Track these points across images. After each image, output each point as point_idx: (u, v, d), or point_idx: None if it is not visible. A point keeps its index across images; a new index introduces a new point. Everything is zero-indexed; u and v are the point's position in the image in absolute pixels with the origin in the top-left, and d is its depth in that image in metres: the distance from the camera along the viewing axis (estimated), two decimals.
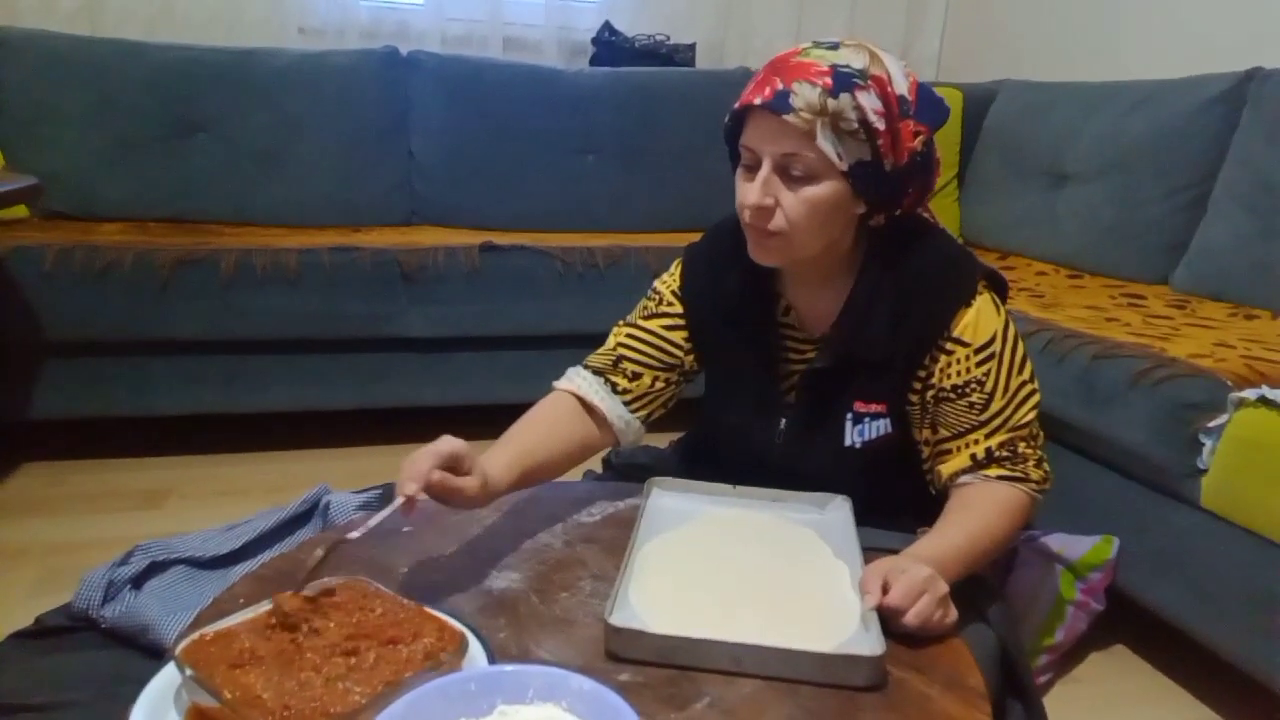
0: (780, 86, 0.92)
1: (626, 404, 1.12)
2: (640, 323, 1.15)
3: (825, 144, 0.92)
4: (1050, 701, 1.08)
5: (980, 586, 1.01)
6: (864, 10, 3.31)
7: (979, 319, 1.01)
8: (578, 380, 1.12)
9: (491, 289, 2.20)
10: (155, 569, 1.32)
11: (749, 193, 0.96)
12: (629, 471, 1.28)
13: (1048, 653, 1.49)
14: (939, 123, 0.98)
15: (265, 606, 0.74)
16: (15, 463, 2.12)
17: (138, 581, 1.29)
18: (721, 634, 0.77)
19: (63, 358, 2.02)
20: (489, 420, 2.40)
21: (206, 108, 2.38)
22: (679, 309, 1.14)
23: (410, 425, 2.37)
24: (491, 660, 0.74)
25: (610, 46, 2.95)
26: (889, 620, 0.81)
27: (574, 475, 1.31)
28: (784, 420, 1.10)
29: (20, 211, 2.23)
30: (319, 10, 2.81)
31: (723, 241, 1.11)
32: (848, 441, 1.06)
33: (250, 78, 2.42)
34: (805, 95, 0.91)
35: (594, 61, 2.97)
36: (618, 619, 0.78)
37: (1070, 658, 1.56)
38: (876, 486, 1.08)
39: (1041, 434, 1.06)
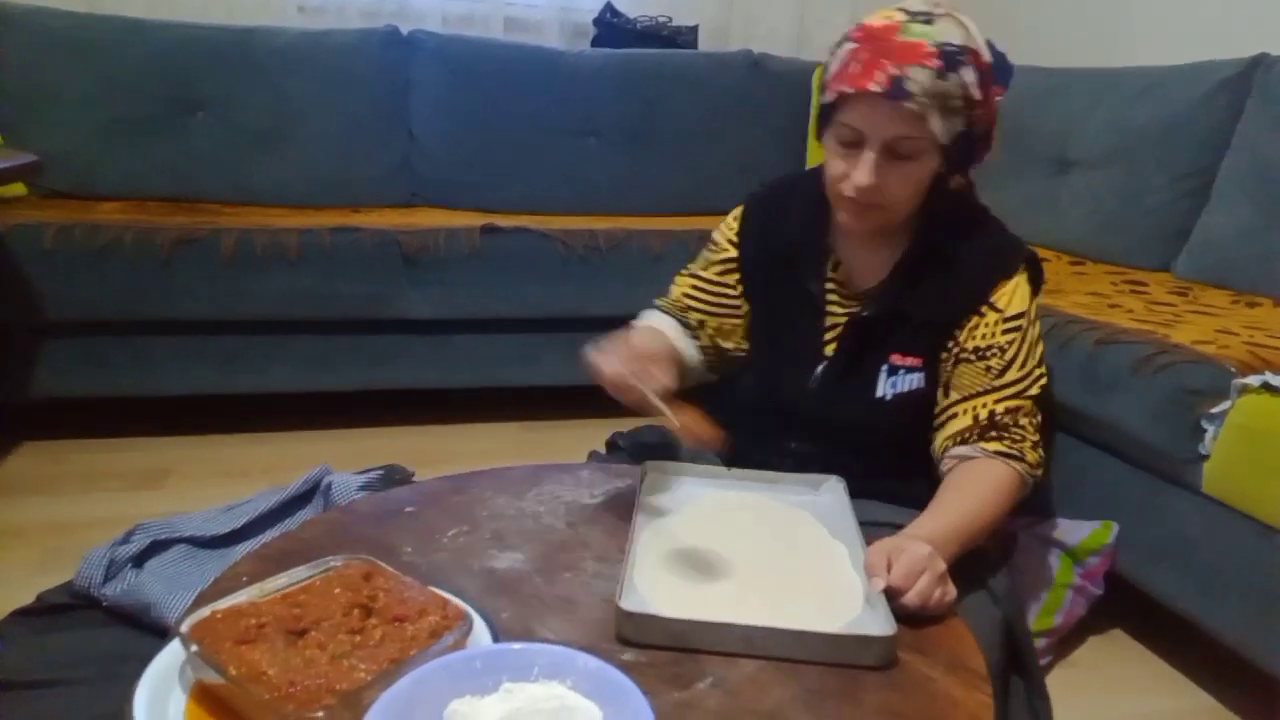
0: (894, 71, 0.93)
1: (696, 340, 1.21)
2: (700, 273, 1.22)
3: (935, 125, 0.95)
4: (1048, 685, 1.08)
5: (984, 560, 1.02)
6: None
7: (1015, 292, 1.07)
8: (655, 319, 1.21)
9: (493, 271, 2.19)
10: (156, 548, 1.32)
11: (858, 174, 0.98)
12: (637, 450, 1.28)
13: (1046, 636, 1.50)
14: (1008, 81, 1.03)
15: (270, 584, 0.74)
16: (15, 442, 2.12)
17: (139, 560, 1.29)
18: (730, 616, 0.77)
19: (62, 337, 2.01)
20: (490, 402, 2.42)
21: (206, 87, 2.37)
22: (734, 253, 1.19)
23: (411, 406, 2.38)
24: (496, 639, 0.74)
25: (612, 28, 2.93)
26: (889, 600, 0.81)
27: (579, 456, 1.31)
28: (819, 368, 1.13)
29: (19, 189, 2.22)
30: None
31: (782, 194, 1.18)
32: (879, 393, 1.09)
33: (250, 57, 2.40)
34: (920, 80, 0.92)
35: (596, 43, 2.95)
36: (628, 603, 0.78)
37: (1069, 642, 1.57)
38: (901, 442, 1.11)
39: (1039, 415, 1.08)
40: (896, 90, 0.92)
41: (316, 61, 2.45)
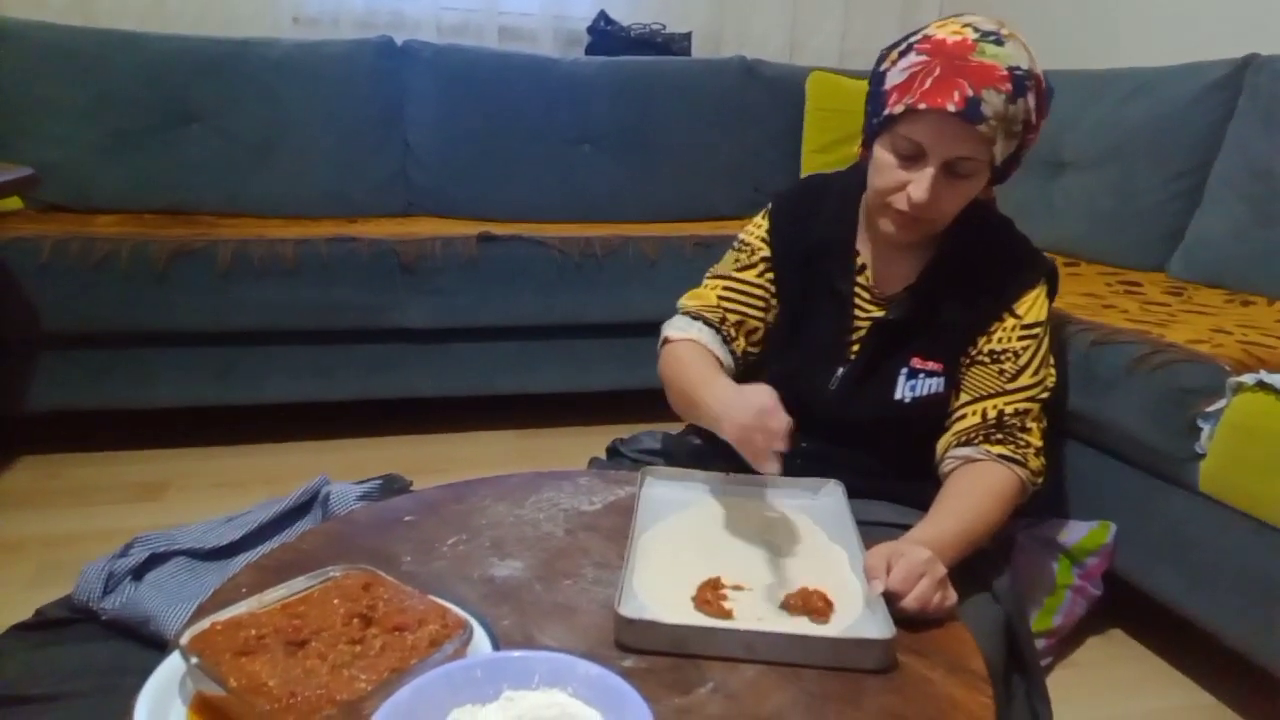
0: (970, 93, 0.92)
1: (732, 353, 1.19)
2: (735, 275, 1.20)
3: (998, 148, 0.95)
4: (1048, 686, 1.08)
5: (986, 560, 1.02)
6: None
7: (1035, 302, 1.10)
8: (693, 331, 1.17)
9: (489, 279, 2.19)
10: (155, 560, 1.32)
11: (915, 189, 0.98)
12: (641, 457, 1.28)
13: (1046, 637, 1.50)
14: (1050, 106, 1.02)
15: (270, 595, 0.74)
16: (12, 455, 2.12)
17: (138, 573, 1.29)
18: (730, 621, 0.78)
19: (59, 350, 2.01)
20: (487, 410, 2.42)
21: (202, 98, 2.37)
22: (767, 252, 1.19)
23: (409, 416, 2.38)
24: (496, 647, 0.74)
25: (606, 35, 2.94)
26: (889, 603, 0.81)
27: (577, 463, 1.31)
28: (841, 369, 1.14)
29: (15, 203, 2.22)
30: None
31: (810, 196, 1.19)
32: (898, 395, 1.10)
33: (245, 68, 2.40)
34: (994, 104, 0.92)
35: (590, 50, 2.96)
36: (628, 610, 0.78)
37: (1068, 643, 1.57)
38: (914, 445, 1.12)
39: (1045, 420, 1.08)
40: (971, 112, 0.92)
41: (312, 72, 2.46)
